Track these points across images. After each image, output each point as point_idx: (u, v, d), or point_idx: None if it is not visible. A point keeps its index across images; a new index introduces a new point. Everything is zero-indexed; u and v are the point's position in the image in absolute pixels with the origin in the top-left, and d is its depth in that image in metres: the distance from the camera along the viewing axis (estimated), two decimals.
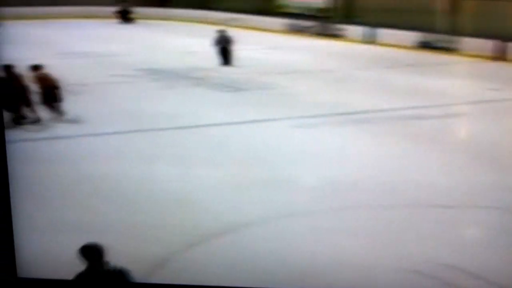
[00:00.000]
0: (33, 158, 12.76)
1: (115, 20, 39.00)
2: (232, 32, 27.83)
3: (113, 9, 39.27)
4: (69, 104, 16.58)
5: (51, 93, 15.73)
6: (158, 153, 13.24)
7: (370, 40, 32.45)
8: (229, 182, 11.51)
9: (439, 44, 29.62)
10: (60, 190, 11.00)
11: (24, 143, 13.85)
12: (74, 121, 15.47)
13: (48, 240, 8.87)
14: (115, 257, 6.29)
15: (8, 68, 15.11)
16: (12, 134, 14.31)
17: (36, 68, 15.83)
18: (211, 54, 24.26)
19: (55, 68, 22.07)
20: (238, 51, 25.96)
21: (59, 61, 24.36)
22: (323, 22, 35.81)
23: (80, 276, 6.09)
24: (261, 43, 31.96)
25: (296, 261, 8.51)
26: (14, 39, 30.04)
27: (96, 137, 14.44)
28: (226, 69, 23.40)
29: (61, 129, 14.95)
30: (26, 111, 15.30)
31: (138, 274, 6.50)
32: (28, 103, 15.28)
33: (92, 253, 6.13)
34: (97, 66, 23.81)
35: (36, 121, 15.31)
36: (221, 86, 20.45)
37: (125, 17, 39.30)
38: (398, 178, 11.90)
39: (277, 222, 9.82)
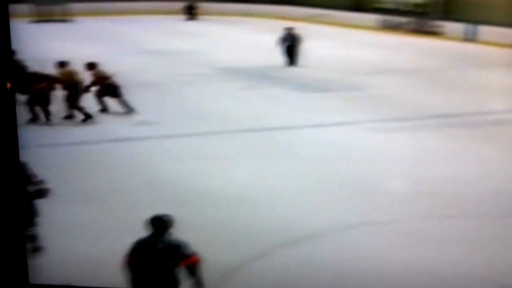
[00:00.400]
0: (94, 160, 12.68)
1: (181, 16, 39.05)
2: (320, 29, 27.44)
3: (180, 4, 39.34)
4: (142, 104, 16.66)
5: (107, 90, 15.96)
6: (235, 156, 13.01)
7: (471, 38, 31.41)
8: (310, 187, 11.26)
9: None
10: (120, 195, 10.83)
11: (85, 146, 13.82)
12: (147, 122, 15.38)
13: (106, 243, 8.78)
14: None
15: (61, 64, 15.35)
16: (68, 136, 14.27)
17: (91, 66, 16.03)
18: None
19: (129, 65, 22.53)
20: (325, 49, 25.60)
21: (133, 58, 24.65)
22: (420, 18, 34.94)
23: (139, 243, 6.71)
24: (351, 41, 31.45)
25: (380, 273, 8.23)
26: (89, 35, 30.57)
27: (168, 138, 14.25)
28: (309, 68, 22.93)
29: (131, 130, 14.83)
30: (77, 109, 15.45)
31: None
32: (73, 102, 15.36)
33: (159, 223, 6.73)
34: (172, 64, 23.74)
35: (87, 118, 15.35)
36: (303, 87, 20.04)
37: (192, 13, 39.36)
38: (494, 187, 11.35)
39: (359, 230, 9.56)
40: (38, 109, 15.15)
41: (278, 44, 23.46)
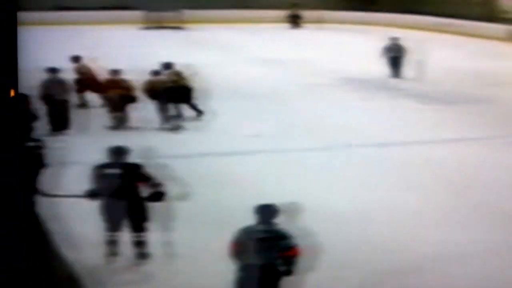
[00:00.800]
0: (200, 175, 12.06)
1: (285, 25, 38.31)
2: (447, 38, 26.34)
3: (283, 13, 38.66)
4: (252, 115, 16.64)
5: (177, 93, 15.68)
6: (348, 172, 12.54)
7: None
8: (434, 210, 10.70)
9: None
10: (225, 213, 10.19)
11: (190, 159, 13.34)
12: (259, 135, 14.95)
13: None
14: None
15: (156, 73, 15.61)
16: (173, 147, 13.87)
17: (167, 66, 15.94)
18: (411, 63, 22.56)
19: (239, 75, 22.59)
20: (449, 60, 24.77)
21: (243, 67, 24.49)
22: None
23: (244, 231, 6.93)
24: (478, 51, 30.29)
25: None
26: (200, 43, 30.61)
27: (279, 152, 13.83)
28: (431, 79, 21.92)
29: (242, 143, 14.45)
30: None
31: None
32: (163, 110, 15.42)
33: (265, 212, 6.92)
34: (282, 74, 23.40)
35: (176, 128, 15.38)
36: (425, 99, 19.32)
37: (296, 21, 38.65)
38: None
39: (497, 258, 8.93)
40: (119, 115, 15.38)
41: (382, 55, 22.78)
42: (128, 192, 8.42)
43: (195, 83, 16.00)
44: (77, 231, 9.23)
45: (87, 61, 17.29)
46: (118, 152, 8.58)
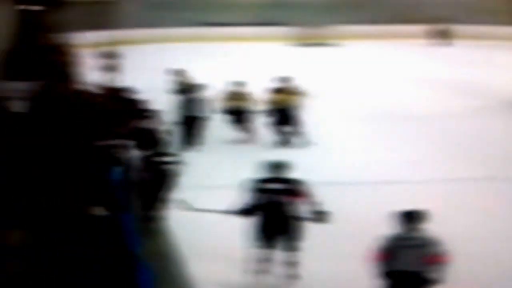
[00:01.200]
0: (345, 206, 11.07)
1: (426, 41, 36.15)
2: None
3: (428, 27, 36.50)
4: (404, 140, 15.88)
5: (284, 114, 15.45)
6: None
7: None
8: None
9: None
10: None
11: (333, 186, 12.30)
12: (410, 161, 14.08)
13: None
14: None
15: (276, 90, 15.56)
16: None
17: (279, 90, 15.66)
18: None
19: (390, 95, 21.57)
20: None
21: (393, 87, 23.37)
22: None
23: (391, 238, 7.11)
24: None
25: None
26: (350, 60, 29.75)
27: (434, 183, 12.84)
28: None
29: (390, 170, 13.53)
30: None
31: None
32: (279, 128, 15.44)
33: (410, 218, 7.13)
34: (435, 94, 22.04)
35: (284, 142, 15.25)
36: None
37: (443, 37, 36.30)
38: None
39: None
40: (241, 127, 15.55)
41: None
42: (287, 209, 8.42)
43: (304, 104, 15.55)
44: (216, 249, 9.38)
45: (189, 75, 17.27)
46: (279, 166, 8.60)
